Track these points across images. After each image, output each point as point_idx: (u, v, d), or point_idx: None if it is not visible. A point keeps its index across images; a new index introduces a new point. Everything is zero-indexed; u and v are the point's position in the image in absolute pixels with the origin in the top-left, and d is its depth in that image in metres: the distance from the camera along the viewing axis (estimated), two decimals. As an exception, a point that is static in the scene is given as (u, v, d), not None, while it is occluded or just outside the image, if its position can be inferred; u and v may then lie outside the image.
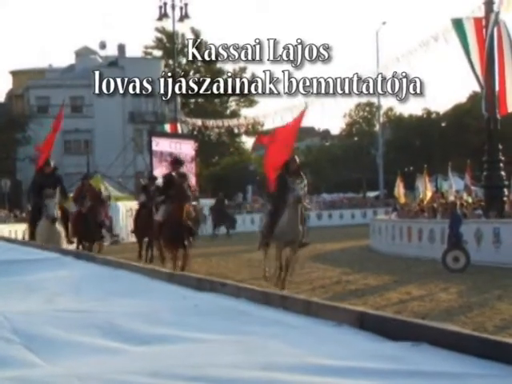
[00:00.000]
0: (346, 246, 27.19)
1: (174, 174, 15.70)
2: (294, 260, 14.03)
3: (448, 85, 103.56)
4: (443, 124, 64.75)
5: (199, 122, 46.76)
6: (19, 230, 29.06)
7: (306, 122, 75.64)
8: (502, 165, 21.57)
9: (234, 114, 65.57)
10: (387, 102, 62.99)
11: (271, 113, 40.46)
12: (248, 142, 77.97)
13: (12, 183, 52.45)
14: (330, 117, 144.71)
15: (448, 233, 17.96)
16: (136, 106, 59.76)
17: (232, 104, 71.86)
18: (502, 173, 21.56)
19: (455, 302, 12.43)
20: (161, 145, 38.02)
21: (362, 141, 70.38)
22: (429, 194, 29.94)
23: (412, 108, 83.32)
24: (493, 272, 16.37)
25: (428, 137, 63.32)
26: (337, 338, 2.83)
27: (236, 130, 51.86)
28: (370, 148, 66.97)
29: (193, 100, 67.74)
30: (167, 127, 47.83)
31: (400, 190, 33.17)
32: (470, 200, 27.01)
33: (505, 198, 21.68)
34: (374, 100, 61.91)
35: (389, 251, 23.42)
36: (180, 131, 45.31)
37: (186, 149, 38.85)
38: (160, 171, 35.16)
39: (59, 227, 15.35)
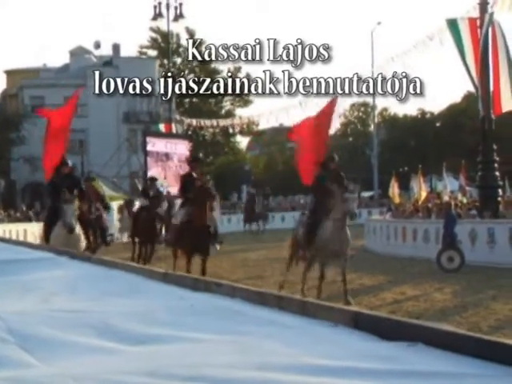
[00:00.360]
0: (340, 246, 27.14)
1: (193, 174, 14.69)
2: (343, 273, 12.74)
3: (443, 85, 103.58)
4: (438, 124, 64.81)
5: (194, 121, 46.79)
6: (13, 229, 29.02)
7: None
8: (496, 165, 21.59)
9: (229, 114, 65.54)
10: (382, 103, 63.10)
11: (266, 113, 40.47)
12: (243, 141, 78.17)
13: (6, 183, 52.38)
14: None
15: (443, 233, 17.98)
16: (131, 106, 59.67)
17: (227, 104, 71.84)
18: (497, 173, 21.59)
19: (450, 302, 12.44)
20: (156, 145, 38.00)
21: (356, 141, 70.43)
22: (423, 195, 29.96)
23: (407, 108, 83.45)
24: (487, 272, 16.39)
25: (423, 137, 63.40)
26: (332, 338, 2.83)
27: (231, 130, 51.84)
28: (365, 148, 67.02)
29: (188, 100, 67.71)
30: (162, 127, 47.79)
31: (395, 190, 33.18)
32: (464, 200, 27.05)
33: (499, 199, 21.70)
34: (369, 100, 61.97)
35: (383, 251, 23.42)
36: (175, 131, 45.27)
37: (180, 149, 38.80)
38: (155, 171, 35.16)
39: (77, 230, 14.04)
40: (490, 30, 20.94)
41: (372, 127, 65.15)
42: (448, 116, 64.90)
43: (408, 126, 67.56)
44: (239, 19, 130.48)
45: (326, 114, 15.02)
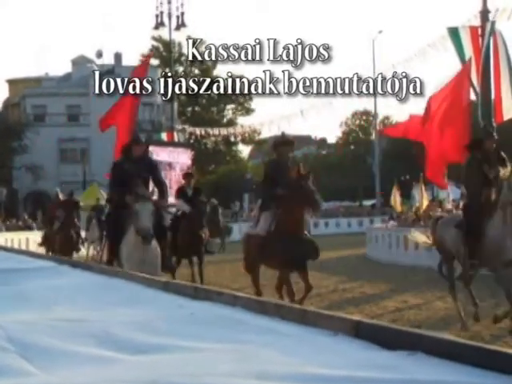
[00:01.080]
0: (342, 255, 27.17)
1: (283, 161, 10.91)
2: None
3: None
4: (439, 132, 64.82)
5: (196, 130, 46.89)
6: (15, 238, 29.04)
7: (302, 131, 75.74)
8: (498, 173, 21.59)
9: (231, 123, 65.66)
10: (383, 111, 63.12)
11: (267, 121, 40.53)
12: (244, 150, 78.24)
13: (8, 192, 52.43)
14: (327, 123, 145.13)
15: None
16: (133, 115, 59.75)
17: (229, 112, 71.99)
18: (499, 181, 21.58)
19: (452, 311, 12.40)
20: (159, 154, 38.07)
21: (358, 149, 70.50)
22: (425, 203, 29.94)
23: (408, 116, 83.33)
24: (489, 280, 16.34)
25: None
26: (332, 347, 2.83)
27: (232, 139, 51.95)
28: (367, 157, 67.07)
29: (190, 108, 67.82)
30: (164, 136, 47.88)
31: (396, 198, 33.18)
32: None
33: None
34: (371, 108, 62.03)
35: (385, 260, 23.40)
36: (176, 140, 45.34)
37: (182, 158, 38.86)
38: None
39: (155, 243, 10.09)
40: (491, 38, 20.97)
41: (373, 136, 65.17)
42: (450, 124, 64.87)
43: (410, 134, 67.55)
44: (239, 19, 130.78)
45: (460, 86, 13.07)
